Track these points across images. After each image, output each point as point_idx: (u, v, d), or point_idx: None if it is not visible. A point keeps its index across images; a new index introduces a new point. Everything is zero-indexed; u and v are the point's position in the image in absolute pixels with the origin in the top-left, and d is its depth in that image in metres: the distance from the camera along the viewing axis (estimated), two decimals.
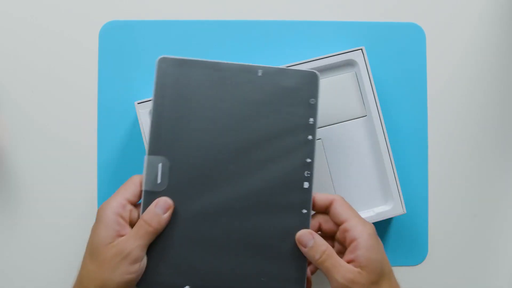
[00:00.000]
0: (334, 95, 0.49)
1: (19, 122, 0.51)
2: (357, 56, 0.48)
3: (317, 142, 0.49)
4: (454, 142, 0.53)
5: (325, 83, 0.49)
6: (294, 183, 0.42)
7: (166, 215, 0.40)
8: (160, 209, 0.40)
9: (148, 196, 0.41)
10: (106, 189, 0.51)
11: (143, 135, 0.48)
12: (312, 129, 0.42)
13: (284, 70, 0.42)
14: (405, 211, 0.48)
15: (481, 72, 0.53)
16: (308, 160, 0.42)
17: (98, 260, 0.38)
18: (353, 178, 0.49)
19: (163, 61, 0.42)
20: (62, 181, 0.51)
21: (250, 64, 0.42)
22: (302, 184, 0.42)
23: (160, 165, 0.41)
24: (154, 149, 0.41)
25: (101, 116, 0.51)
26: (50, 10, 0.52)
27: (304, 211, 0.41)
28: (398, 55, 0.52)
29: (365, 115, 0.49)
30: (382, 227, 0.52)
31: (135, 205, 0.41)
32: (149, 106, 0.47)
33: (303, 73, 0.42)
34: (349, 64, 0.49)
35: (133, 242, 0.38)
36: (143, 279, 0.40)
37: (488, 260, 0.53)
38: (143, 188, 0.41)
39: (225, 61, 0.42)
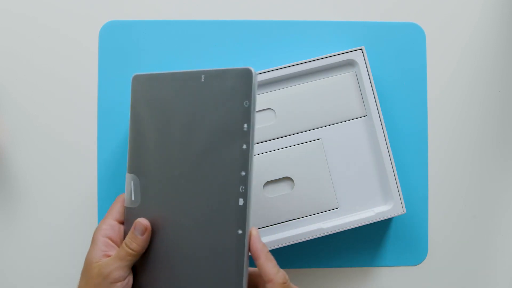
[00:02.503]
0: (334, 95, 0.49)
1: (19, 122, 0.51)
2: (357, 56, 0.48)
3: (317, 142, 0.49)
4: (454, 142, 0.53)
5: (325, 83, 0.49)
6: (229, 200, 0.38)
7: (144, 237, 0.41)
8: (138, 231, 0.41)
9: (128, 213, 0.43)
10: (106, 189, 0.51)
11: None
12: (246, 136, 0.37)
13: (223, 72, 0.38)
14: (405, 211, 0.48)
15: (481, 72, 0.53)
16: (243, 173, 0.37)
17: (86, 278, 0.41)
18: (353, 178, 0.49)
19: (136, 78, 0.42)
20: (62, 181, 0.51)
21: (194, 70, 0.40)
22: (238, 201, 0.37)
23: (132, 183, 0.42)
24: (130, 167, 0.43)
25: (101, 116, 0.51)
26: (50, 10, 0.52)
27: (240, 231, 0.37)
28: (398, 55, 0.52)
29: (365, 115, 0.49)
30: (382, 227, 0.52)
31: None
32: None
33: (237, 72, 0.37)
34: (349, 64, 0.49)
35: (114, 263, 0.40)
36: None
37: (488, 260, 0.53)
38: (125, 205, 0.43)
39: (178, 71, 0.41)
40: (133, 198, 0.42)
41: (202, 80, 0.39)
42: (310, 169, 0.49)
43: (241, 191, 0.37)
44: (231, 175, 0.38)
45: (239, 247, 0.37)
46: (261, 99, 0.49)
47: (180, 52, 0.51)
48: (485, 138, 0.53)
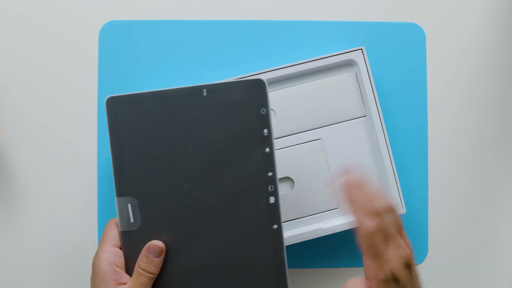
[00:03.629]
0: (334, 95, 0.49)
1: (19, 122, 0.51)
2: (357, 56, 0.48)
3: (317, 142, 0.49)
4: (454, 142, 0.53)
5: (325, 83, 0.49)
6: (259, 201, 0.41)
7: (160, 258, 0.41)
8: (153, 254, 0.41)
9: (125, 236, 0.42)
10: (106, 189, 0.51)
11: None
12: (268, 140, 0.41)
13: (228, 84, 0.41)
14: (405, 211, 0.48)
15: (481, 72, 0.53)
16: (270, 174, 0.41)
17: None
18: None
19: (111, 100, 0.42)
20: (62, 181, 0.51)
21: (194, 85, 0.41)
22: (268, 200, 0.41)
23: (129, 205, 0.41)
24: (121, 191, 0.42)
25: (101, 116, 0.51)
26: (50, 10, 0.52)
27: (275, 226, 0.41)
28: (398, 55, 0.52)
29: (365, 115, 0.49)
30: None
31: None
32: None
33: (248, 83, 0.41)
34: (349, 64, 0.49)
35: None
36: None
37: (488, 260, 0.53)
38: (119, 229, 0.42)
39: (170, 88, 0.41)
40: (132, 221, 0.41)
41: (205, 94, 0.41)
42: (310, 169, 0.49)
43: (270, 190, 0.41)
44: (258, 178, 0.40)
45: (276, 241, 0.40)
46: None
47: (180, 52, 0.51)
48: (485, 138, 0.53)
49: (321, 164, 0.49)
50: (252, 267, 0.41)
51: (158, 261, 0.41)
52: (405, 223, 0.51)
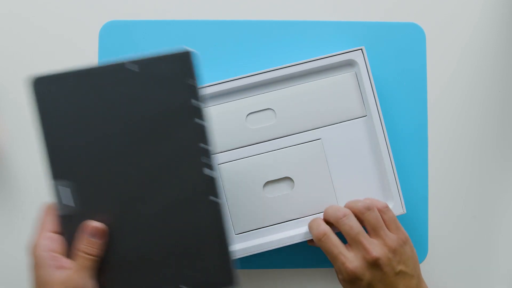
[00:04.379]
0: (334, 95, 0.49)
1: (19, 122, 0.51)
2: (357, 56, 0.48)
3: (317, 142, 0.49)
4: (454, 142, 0.53)
5: (325, 83, 0.49)
6: (195, 172, 0.40)
7: (103, 240, 0.40)
8: (92, 235, 0.39)
9: (64, 220, 0.40)
10: None
11: None
12: (198, 111, 0.40)
13: (156, 58, 0.40)
14: (405, 211, 0.48)
15: (481, 72, 0.53)
16: (202, 145, 0.40)
17: None
18: (353, 178, 0.49)
19: (37, 81, 0.40)
20: None
21: (121, 61, 0.40)
22: (202, 171, 0.40)
23: (65, 188, 0.40)
24: (56, 173, 0.40)
25: None
26: (50, 10, 0.52)
27: (212, 198, 0.40)
28: (398, 55, 0.52)
29: (365, 115, 0.49)
30: None
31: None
32: None
33: (176, 56, 0.40)
34: (349, 64, 0.49)
35: (79, 275, 0.38)
36: None
37: (488, 260, 0.53)
38: (58, 213, 0.40)
39: (99, 65, 0.40)
40: (69, 204, 0.40)
41: (135, 68, 0.40)
42: (310, 169, 0.49)
43: (204, 161, 0.40)
44: (190, 149, 0.40)
45: (215, 213, 0.40)
46: (261, 99, 0.49)
47: None
48: (485, 138, 0.53)
49: (321, 164, 0.49)
50: (193, 239, 0.40)
51: (100, 243, 0.40)
52: (405, 223, 0.52)
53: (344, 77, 0.49)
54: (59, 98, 0.40)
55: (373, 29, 0.52)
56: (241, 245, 0.48)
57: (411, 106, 0.52)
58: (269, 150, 0.49)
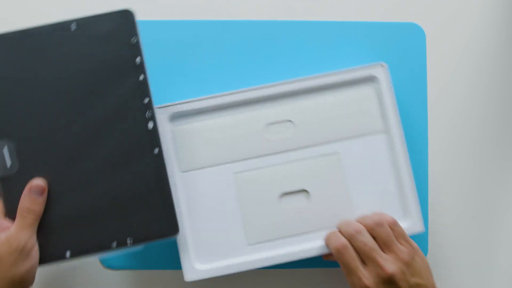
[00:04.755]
0: (353, 109, 0.48)
1: None
2: (378, 72, 0.48)
3: (334, 156, 0.48)
4: (454, 142, 0.53)
5: (344, 96, 0.48)
6: (138, 126, 0.42)
7: (43, 197, 0.41)
8: (35, 192, 0.40)
9: (4, 182, 0.41)
10: None
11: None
12: (141, 68, 0.41)
13: (96, 17, 0.41)
14: (424, 230, 0.47)
15: (481, 72, 0.53)
16: (146, 100, 0.42)
17: None
18: (370, 193, 0.48)
19: None
20: None
21: (62, 20, 0.41)
22: (147, 126, 0.42)
23: (5, 149, 0.41)
24: None
25: None
26: (51, 10, 0.52)
27: (156, 150, 0.42)
28: (398, 55, 0.52)
29: (384, 130, 0.48)
30: None
31: None
32: (169, 111, 0.47)
33: (116, 15, 0.41)
34: (370, 79, 0.48)
35: (23, 232, 0.39)
36: None
37: (488, 261, 0.53)
38: None
39: (38, 25, 0.41)
40: (9, 165, 0.41)
41: (73, 28, 0.41)
42: (327, 182, 0.48)
43: (148, 116, 0.42)
44: (133, 105, 0.41)
45: (159, 166, 0.42)
46: (280, 109, 0.48)
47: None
48: (485, 138, 0.53)
49: (338, 178, 0.48)
50: (137, 192, 0.42)
51: (42, 200, 0.40)
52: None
53: (364, 91, 0.48)
54: None
55: (373, 29, 0.52)
56: (254, 257, 0.46)
57: (411, 106, 0.52)
58: (286, 161, 0.48)
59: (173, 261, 0.50)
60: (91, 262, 0.51)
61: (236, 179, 0.48)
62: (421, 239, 0.52)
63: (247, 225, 0.47)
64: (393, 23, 0.52)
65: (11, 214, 0.40)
